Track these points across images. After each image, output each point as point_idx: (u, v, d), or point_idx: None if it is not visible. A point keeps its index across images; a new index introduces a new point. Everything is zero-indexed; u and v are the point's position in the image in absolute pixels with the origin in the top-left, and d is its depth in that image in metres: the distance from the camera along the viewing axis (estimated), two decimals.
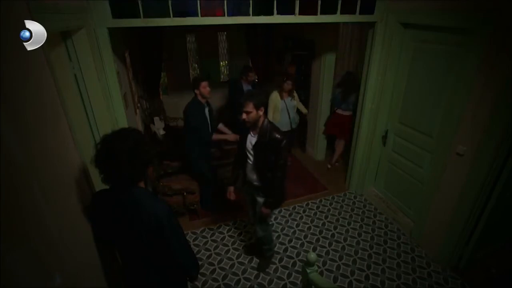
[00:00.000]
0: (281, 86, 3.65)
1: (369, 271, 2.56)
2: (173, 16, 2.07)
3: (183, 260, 1.40)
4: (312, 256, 1.67)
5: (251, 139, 2.05)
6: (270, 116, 3.63)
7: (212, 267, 2.59)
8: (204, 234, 2.99)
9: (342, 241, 2.89)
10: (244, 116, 1.91)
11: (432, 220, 2.62)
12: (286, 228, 3.07)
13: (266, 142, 1.97)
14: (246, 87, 3.97)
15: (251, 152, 2.08)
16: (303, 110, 3.91)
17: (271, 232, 2.55)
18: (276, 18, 2.35)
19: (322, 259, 2.67)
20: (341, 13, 2.50)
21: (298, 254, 2.74)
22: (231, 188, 2.35)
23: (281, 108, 3.65)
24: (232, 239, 2.91)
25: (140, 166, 1.22)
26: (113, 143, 1.16)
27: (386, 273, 2.54)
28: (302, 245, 2.85)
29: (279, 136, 1.95)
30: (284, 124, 3.63)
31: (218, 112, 5.67)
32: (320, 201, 3.51)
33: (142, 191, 1.28)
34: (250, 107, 1.87)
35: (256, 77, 5.81)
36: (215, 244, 2.85)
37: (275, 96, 3.64)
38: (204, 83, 2.74)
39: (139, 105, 3.94)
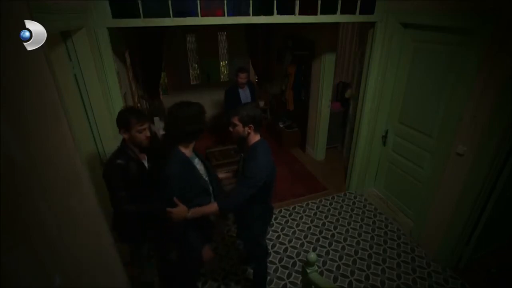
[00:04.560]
0: None
1: (369, 271, 2.56)
2: (173, 16, 2.07)
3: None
4: (312, 256, 1.66)
5: None
6: None
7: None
8: None
9: (342, 241, 2.89)
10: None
11: (432, 220, 2.62)
12: (286, 228, 3.07)
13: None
14: (243, 92, 3.67)
15: None
16: None
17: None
18: (276, 18, 2.35)
19: (322, 259, 2.67)
20: (341, 13, 2.50)
21: (298, 254, 2.74)
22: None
23: None
24: (232, 239, 2.91)
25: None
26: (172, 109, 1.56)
27: (386, 273, 2.54)
28: (302, 245, 2.85)
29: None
30: None
31: (214, 119, 5.62)
32: (320, 201, 3.51)
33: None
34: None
35: (256, 77, 5.83)
36: (215, 244, 2.85)
37: None
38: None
39: (139, 105, 3.94)
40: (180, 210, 1.57)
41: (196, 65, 5.65)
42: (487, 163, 2.08)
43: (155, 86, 4.76)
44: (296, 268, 2.60)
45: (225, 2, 2.15)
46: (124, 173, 1.69)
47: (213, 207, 1.67)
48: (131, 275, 2.37)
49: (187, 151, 1.64)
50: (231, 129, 1.77)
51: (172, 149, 1.59)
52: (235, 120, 1.71)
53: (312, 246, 2.84)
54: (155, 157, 1.93)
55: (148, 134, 1.77)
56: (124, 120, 1.71)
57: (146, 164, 1.86)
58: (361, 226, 3.08)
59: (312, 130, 4.45)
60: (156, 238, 2.03)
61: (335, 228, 3.07)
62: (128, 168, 1.71)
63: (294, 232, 3.01)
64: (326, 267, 2.61)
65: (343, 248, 2.81)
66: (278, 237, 2.95)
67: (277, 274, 2.53)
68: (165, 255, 2.13)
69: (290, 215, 3.27)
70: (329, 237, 2.95)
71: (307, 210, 3.36)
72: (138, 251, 2.00)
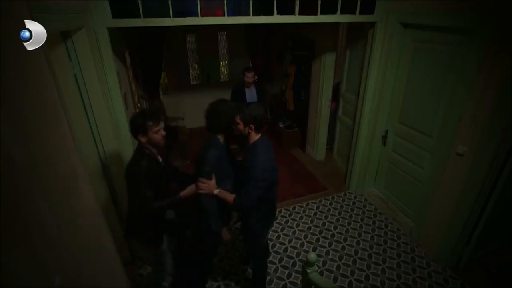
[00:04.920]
0: None
1: (369, 271, 2.56)
2: (173, 16, 2.07)
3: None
4: (312, 256, 1.67)
5: None
6: None
7: (212, 267, 2.59)
8: None
9: (342, 241, 2.89)
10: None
11: (432, 220, 2.62)
12: (286, 228, 3.07)
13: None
14: (249, 92, 3.67)
15: None
16: None
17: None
18: (276, 18, 2.35)
19: (322, 259, 2.67)
20: (341, 13, 2.50)
21: (298, 254, 2.74)
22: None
23: None
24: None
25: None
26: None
27: (386, 273, 2.54)
28: (302, 245, 2.85)
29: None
30: None
31: None
32: (320, 201, 3.51)
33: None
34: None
35: (256, 77, 5.83)
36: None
37: None
38: None
39: (139, 105, 3.94)
40: (212, 183, 1.77)
41: (196, 65, 5.65)
42: (487, 163, 2.08)
43: (155, 86, 4.75)
44: (296, 268, 2.60)
45: (225, 2, 2.15)
46: (148, 174, 1.71)
47: (231, 198, 1.75)
48: (132, 275, 2.37)
49: (222, 139, 1.86)
50: (234, 128, 1.81)
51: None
52: (237, 119, 1.76)
53: (312, 246, 2.84)
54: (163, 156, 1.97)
55: (164, 133, 1.79)
56: (141, 126, 1.71)
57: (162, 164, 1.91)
58: (361, 226, 3.08)
59: (312, 130, 4.45)
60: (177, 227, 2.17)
61: (335, 228, 3.07)
62: (151, 169, 1.74)
63: (294, 232, 3.01)
64: (326, 267, 2.61)
65: (343, 248, 2.81)
66: (278, 237, 2.95)
67: (277, 274, 2.53)
68: (184, 240, 2.31)
69: (290, 215, 3.27)
70: (329, 237, 2.95)
71: (307, 210, 3.35)
72: (157, 250, 2.04)
